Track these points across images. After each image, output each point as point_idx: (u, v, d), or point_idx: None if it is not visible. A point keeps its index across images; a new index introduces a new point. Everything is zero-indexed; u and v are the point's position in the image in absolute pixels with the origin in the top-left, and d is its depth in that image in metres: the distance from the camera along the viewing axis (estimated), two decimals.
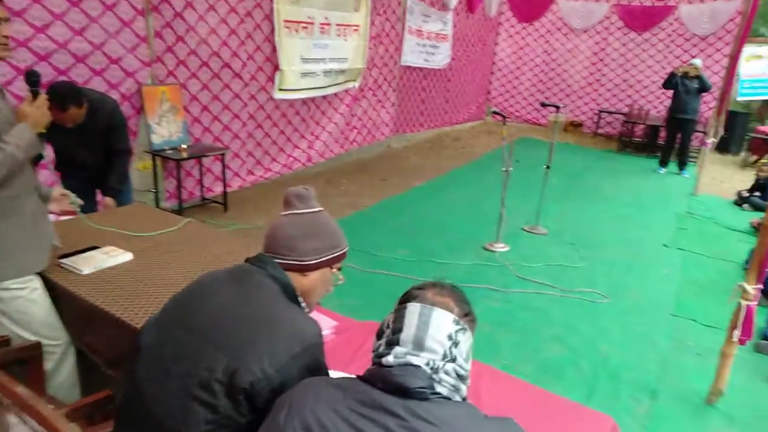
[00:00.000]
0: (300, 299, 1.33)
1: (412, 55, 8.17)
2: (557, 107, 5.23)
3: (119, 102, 4.24)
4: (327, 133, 6.81)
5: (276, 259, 1.31)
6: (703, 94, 7.81)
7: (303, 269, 1.32)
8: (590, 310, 3.79)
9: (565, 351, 3.26)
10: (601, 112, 10.53)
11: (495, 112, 4.91)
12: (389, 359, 1.01)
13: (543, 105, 5.69)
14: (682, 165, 8.14)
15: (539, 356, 3.19)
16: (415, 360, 1.00)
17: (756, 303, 2.69)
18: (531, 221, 5.32)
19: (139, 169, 4.64)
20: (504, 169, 4.66)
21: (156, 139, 4.64)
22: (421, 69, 8.56)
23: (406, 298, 1.10)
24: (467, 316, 1.09)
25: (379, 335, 1.09)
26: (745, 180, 7.72)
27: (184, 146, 4.74)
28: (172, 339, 1.20)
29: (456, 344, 1.03)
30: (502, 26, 11.23)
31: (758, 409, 2.88)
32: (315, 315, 1.82)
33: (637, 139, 9.80)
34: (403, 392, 0.97)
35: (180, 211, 4.61)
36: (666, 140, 8.33)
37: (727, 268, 4.71)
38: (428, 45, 8.49)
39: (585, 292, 4.03)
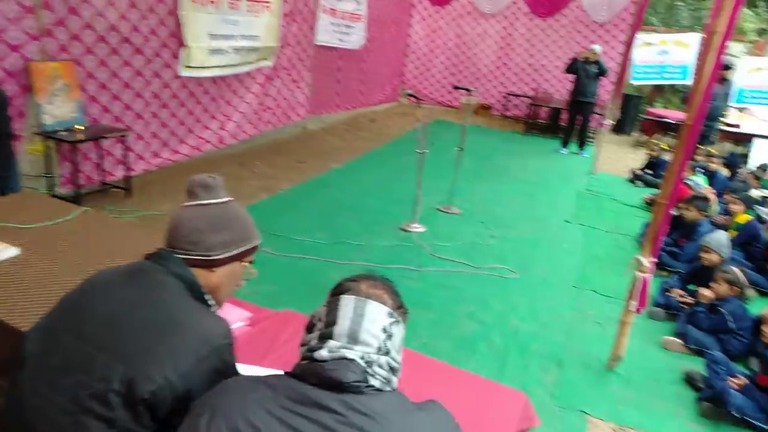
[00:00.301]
0: (207, 297, 1.25)
1: (327, 34, 8.02)
2: (469, 90, 5.35)
3: (1, 80, 3.84)
4: (239, 114, 6.56)
5: (179, 254, 1.22)
6: (601, 78, 8.33)
7: (210, 265, 1.24)
8: (501, 286, 3.95)
9: (479, 326, 3.38)
10: (508, 95, 10.92)
11: (409, 94, 4.94)
12: (323, 353, 0.98)
13: (455, 88, 5.80)
14: (581, 145, 8.67)
15: (455, 333, 3.29)
16: (349, 354, 0.98)
17: (651, 274, 2.92)
18: (445, 201, 5.45)
19: (28, 152, 4.24)
20: (419, 151, 4.71)
21: (47, 120, 4.25)
22: (336, 49, 8.43)
23: (339, 291, 1.07)
24: (400, 308, 1.09)
25: (310, 329, 1.06)
26: (637, 158, 8.36)
27: (79, 127, 4.38)
28: (60, 347, 1.09)
29: (390, 337, 1.03)
30: (415, 8, 11.28)
31: (651, 372, 3.15)
32: (227, 307, 1.75)
33: (542, 121, 10.29)
34: (338, 387, 0.95)
35: (77, 197, 4.27)
36: (567, 122, 8.82)
37: (623, 242, 5.09)
38: (342, 24, 8.37)
39: (496, 269, 4.20)
